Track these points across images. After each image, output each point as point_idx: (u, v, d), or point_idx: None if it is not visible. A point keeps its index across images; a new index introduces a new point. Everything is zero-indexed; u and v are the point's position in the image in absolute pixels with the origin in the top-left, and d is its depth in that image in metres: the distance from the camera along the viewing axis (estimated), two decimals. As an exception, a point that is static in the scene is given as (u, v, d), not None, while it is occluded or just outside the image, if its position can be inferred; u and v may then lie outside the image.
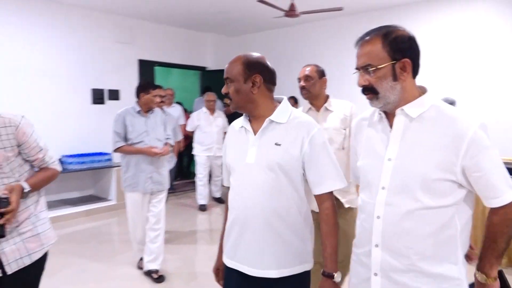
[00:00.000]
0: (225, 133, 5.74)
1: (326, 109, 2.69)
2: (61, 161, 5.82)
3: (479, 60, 5.38)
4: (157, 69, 7.40)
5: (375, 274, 1.37)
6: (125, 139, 3.60)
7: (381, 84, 1.34)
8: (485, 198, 1.30)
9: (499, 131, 4.47)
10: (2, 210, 1.66)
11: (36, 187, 1.87)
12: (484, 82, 5.35)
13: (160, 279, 3.62)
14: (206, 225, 5.62)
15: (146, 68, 7.06)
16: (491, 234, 1.32)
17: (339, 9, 5.23)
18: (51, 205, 5.60)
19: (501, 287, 1.35)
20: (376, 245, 1.36)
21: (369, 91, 1.37)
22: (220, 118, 6.18)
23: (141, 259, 3.82)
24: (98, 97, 6.32)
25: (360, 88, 1.39)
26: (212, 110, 6.05)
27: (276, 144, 1.62)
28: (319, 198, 1.64)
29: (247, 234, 1.63)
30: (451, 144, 1.27)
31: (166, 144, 3.78)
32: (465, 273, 1.34)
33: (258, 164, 1.63)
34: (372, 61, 1.33)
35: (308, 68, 2.69)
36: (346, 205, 2.60)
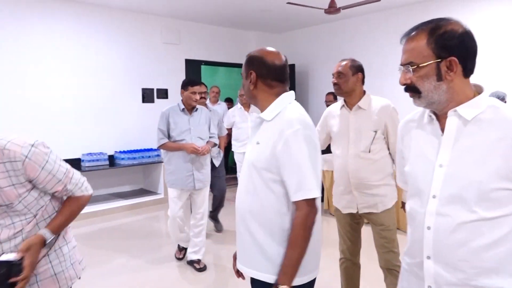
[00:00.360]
0: None
1: (359, 107, 2.53)
2: (114, 157, 6.22)
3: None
4: (203, 68, 7.66)
5: (429, 287, 1.27)
6: (169, 136, 3.70)
7: (423, 83, 1.23)
8: None
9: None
10: (13, 280, 1.38)
11: (61, 229, 1.61)
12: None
13: (202, 269, 3.82)
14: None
15: (193, 67, 7.34)
16: None
17: (376, 0, 5.15)
18: (103, 199, 6.03)
19: None
20: (428, 257, 1.25)
21: (411, 90, 1.28)
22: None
23: (179, 248, 4.09)
24: (148, 96, 6.67)
25: (403, 86, 1.30)
26: (246, 106, 5.78)
27: (257, 143, 1.60)
28: (295, 204, 1.51)
29: (237, 228, 1.68)
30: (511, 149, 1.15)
31: (208, 142, 3.83)
32: None
33: (245, 162, 1.66)
34: (414, 58, 1.23)
35: (342, 63, 2.56)
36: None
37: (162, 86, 6.87)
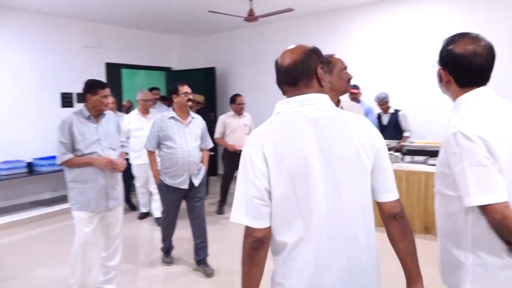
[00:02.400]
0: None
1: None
2: (33, 164, 6.00)
3: (415, 57, 5.92)
4: (123, 71, 7.62)
5: None
6: (73, 149, 3.06)
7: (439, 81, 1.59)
8: None
9: (430, 119, 5.07)
10: None
11: None
12: (416, 75, 5.87)
13: None
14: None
15: (113, 70, 7.28)
16: None
17: (290, 10, 5.63)
18: (23, 208, 5.80)
19: None
20: None
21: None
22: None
23: None
24: (67, 100, 6.50)
25: None
26: (145, 111, 5.33)
27: None
28: None
29: None
30: None
31: (121, 153, 3.34)
32: None
33: None
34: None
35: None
36: None
37: (82, 90, 6.70)
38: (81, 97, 3.18)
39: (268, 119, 1.42)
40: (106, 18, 6.73)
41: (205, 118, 4.23)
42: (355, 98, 5.51)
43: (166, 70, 8.44)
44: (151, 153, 3.82)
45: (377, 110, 5.71)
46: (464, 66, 1.45)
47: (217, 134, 5.61)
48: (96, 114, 3.17)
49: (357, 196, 1.36)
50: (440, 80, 1.55)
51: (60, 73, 6.45)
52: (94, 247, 3.26)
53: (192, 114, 3.87)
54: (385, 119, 5.62)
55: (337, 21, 6.67)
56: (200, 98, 6.15)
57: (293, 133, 1.35)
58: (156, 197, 5.28)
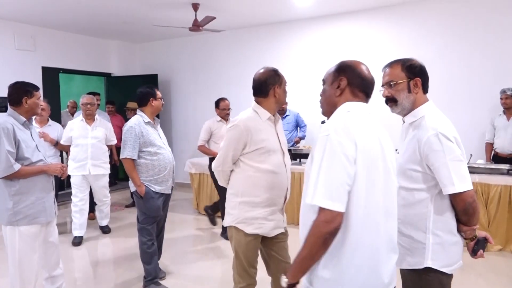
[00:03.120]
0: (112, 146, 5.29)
1: None
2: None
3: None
4: (60, 75, 7.40)
5: None
6: (18, 159, 2.80)
7: (400, 94, 1.85)
8: None
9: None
10: None
11: None
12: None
13: None
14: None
15: (50, 75, 7.06)
16: None
17: (218, 31, 6.00)
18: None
19: None
20: None
21: (391, 100, 1.88)
22: (101, 128, 5.06)
23: None
24: (1, 105, 6.21)
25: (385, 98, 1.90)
26: (90, 118, 4.99)
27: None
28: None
29: None
30: None
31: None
32: None
33: None
34: (393, 79, 1.86)
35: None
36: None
37: (10, 93, 6.44)
38: (14, 101, 2.87)
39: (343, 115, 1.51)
40: (41, 20, 6.51)
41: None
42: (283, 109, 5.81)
43: (106, 75, 8.31)
44: (131, 162, 3.38)
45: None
46: (426, 74, 1.88)
47: (200, 142, 5.00)
48: (29, 119, 2.95)
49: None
50: (409, 89, 1.85)
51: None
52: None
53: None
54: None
55: (276, 33, 6.99)
56: (134, 105, 5.90)
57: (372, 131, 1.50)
58: (103, 207, 5.22)
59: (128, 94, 6.99)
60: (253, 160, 2.38)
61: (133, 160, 3.38)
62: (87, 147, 4.86)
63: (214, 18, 5.56)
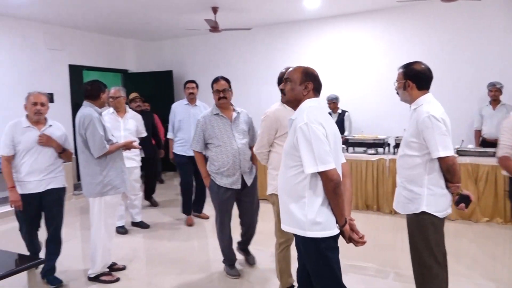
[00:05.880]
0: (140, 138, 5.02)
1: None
2: None
3: (355, 67, 7.08)
4: (84, 72, 7.95)
5: None
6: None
7: (400, 90, 2.54)
8: None
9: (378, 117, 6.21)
10: None
11: None
12: (361, 81, 7.06)
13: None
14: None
15: (75, 72, 7.63)
16: None
17: (248, 29, 6.48)
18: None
19: None
20: None
21: (397, 92, 2.59)
22: (131, 120, 5.03)
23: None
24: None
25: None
26: (121, 110, 4.95)
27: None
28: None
29: None
30: None
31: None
32: None
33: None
34: (398, 79, 2.55)
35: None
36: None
37: (47, 90, 6.96)
38: (93, 96, 3.49)
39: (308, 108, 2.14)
40: (69, 22, 7.06)
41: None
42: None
43: (123, 72, 8.86)
44: (198, 154, 3.64)
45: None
46: (421, 77, 2.50)
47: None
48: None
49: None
50: (405, 87, 2.51)
51: (26, 74, 6.73)
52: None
53: (238, 109, 3.68)
54: (334, 118, 6.62)
55: (291, 33, 7.63)
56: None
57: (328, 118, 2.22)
58: (136, 201, 5.23)
59: (144, 89, 7.54)
60: (283, 141, 2.74)
61: (200, 153, 3.62)
62: (119, 140, 4.60)
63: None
